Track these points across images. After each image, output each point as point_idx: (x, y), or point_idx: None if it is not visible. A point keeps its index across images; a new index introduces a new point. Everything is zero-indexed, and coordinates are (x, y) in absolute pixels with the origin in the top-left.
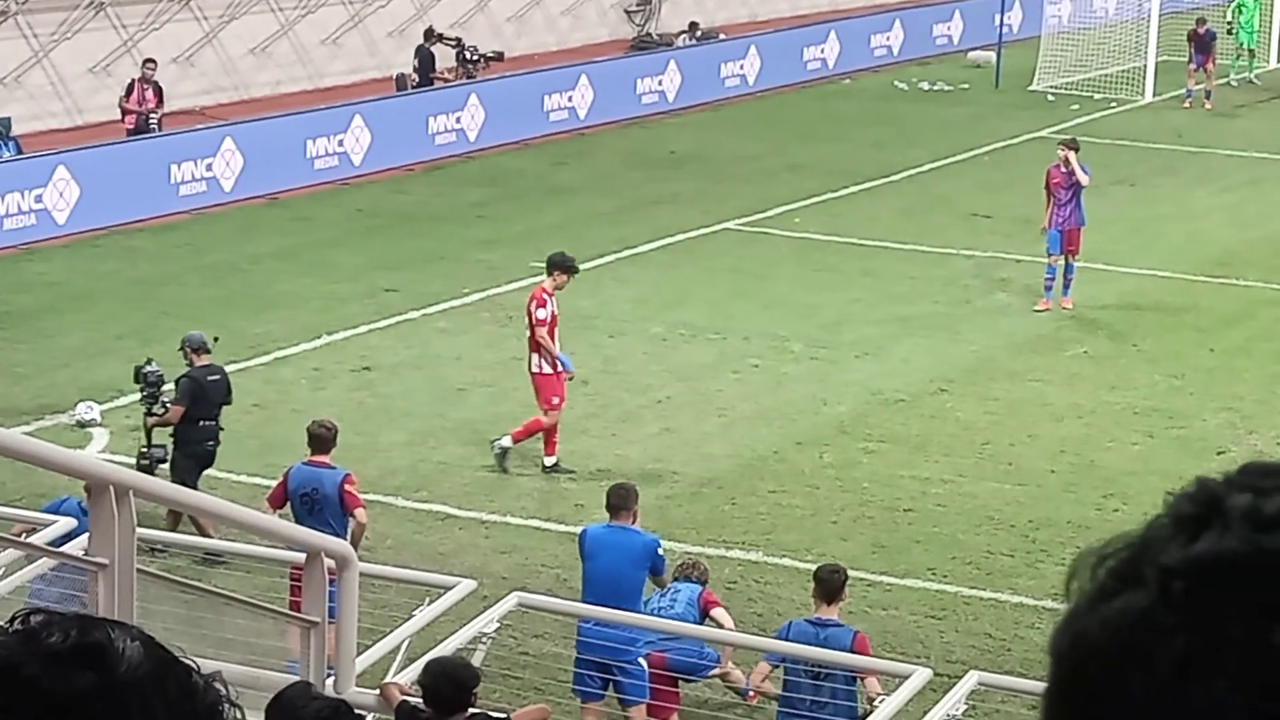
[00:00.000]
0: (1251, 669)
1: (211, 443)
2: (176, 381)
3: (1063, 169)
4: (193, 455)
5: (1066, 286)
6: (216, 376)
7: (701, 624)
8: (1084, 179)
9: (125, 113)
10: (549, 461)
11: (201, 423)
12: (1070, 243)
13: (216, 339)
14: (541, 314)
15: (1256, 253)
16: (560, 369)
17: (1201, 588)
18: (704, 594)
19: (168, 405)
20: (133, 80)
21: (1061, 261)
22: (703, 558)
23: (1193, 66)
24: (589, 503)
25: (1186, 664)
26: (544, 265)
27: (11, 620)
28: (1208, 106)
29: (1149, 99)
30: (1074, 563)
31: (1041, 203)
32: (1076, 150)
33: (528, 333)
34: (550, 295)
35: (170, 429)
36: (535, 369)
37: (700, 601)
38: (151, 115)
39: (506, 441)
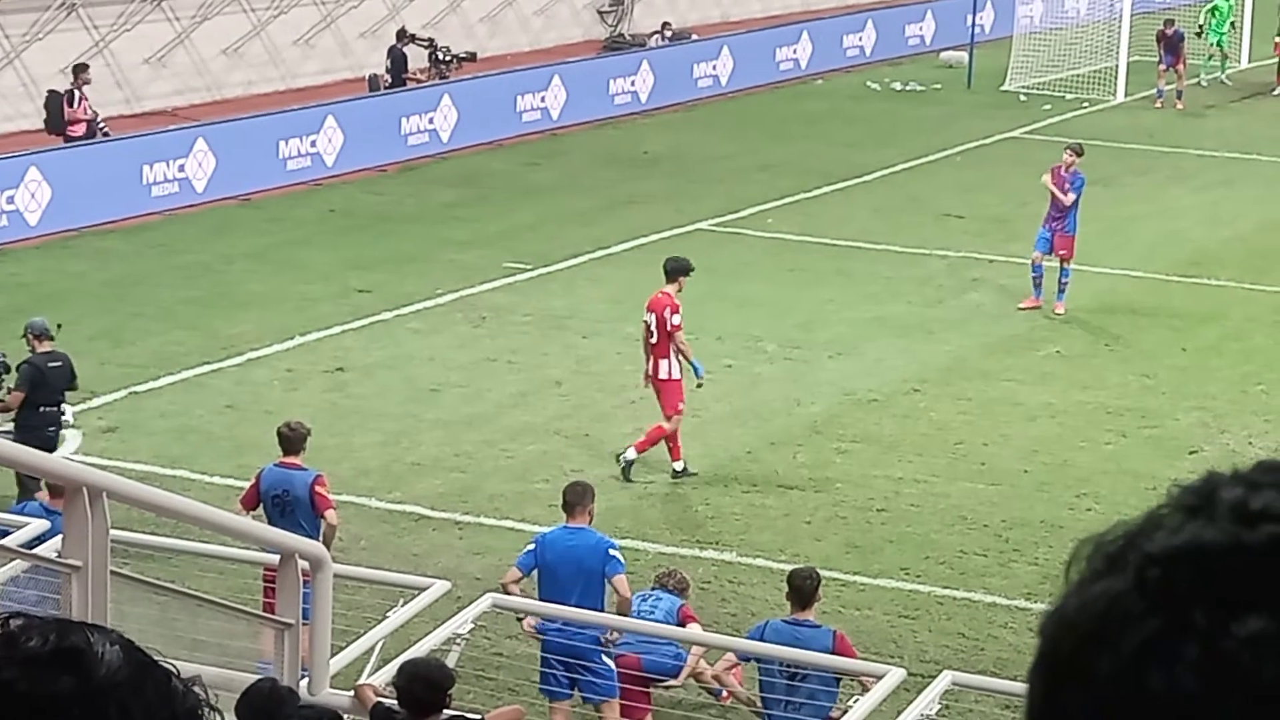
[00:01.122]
0: (1210, 658)
1: (53, 429)
2: (18, 367)
3: (1063, 172)
4: (33, 441)
5: (1061, 291)
6: (58, 363)
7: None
8: (1063, 199)
9: (73, 122)
10: (678, 467)
11: (42, 409)
12: (1060, 246)
13: (60, 326)
14: (677, 319)
15: (1229, 252)
16: (696, 375)
17: (1175, 576)
18: (683, 609)
19: (11, 390)
20: (71, 91)
21: (1055, 265)
22: (676, 558)
23: (1163, 67)
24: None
25: (1149, 649)
26: (666, 272)
27: None
28: (1179, 106)
29: (1121, 99)
30: (1075, 549)
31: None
32: (1080, 156)
33: (652, 340)
34: (678, 300)
35: (12, 414)
36: (665, 375)
37: (679, 616)
38: (99, 120)
39: (631, 454)
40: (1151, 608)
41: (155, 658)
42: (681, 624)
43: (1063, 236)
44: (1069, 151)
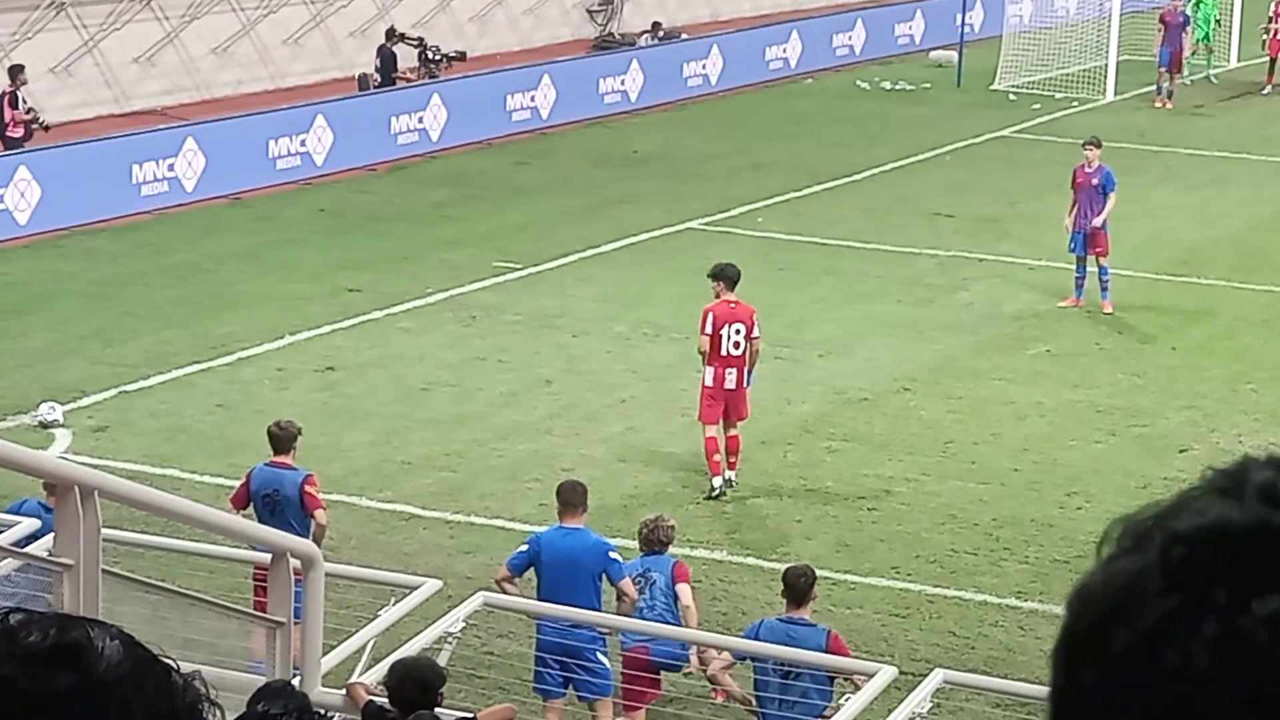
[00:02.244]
0: (1228, 635)
1: None
2: None
3: (1087, 169)
4: None
5: (1104, 290)
6: None
7: (674, 600)
8: (1109, 202)
9: (14, 123)
10: (731, 476)
11: None
12: (1095, 244)
13: None
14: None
15: (1218, 251)
16: (747, 382)
17: (1198, 554)
18: (676, 568)
19: None
20: (13, 92)
21: (1093, 265)
22: None
23: (1163, 69)
24: (553, 503)
25: (1167, 624)
26: (716, 279)
27: None
28: (1169, 106)
29: (1110, 98)
30: (1107, 528)
31: (1066, 202)
32: (1099, 148)
33: (737, 350)
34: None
35: None
36: (749, 384)
37: (673, 575)
38: (38, 119)
39: (731, 475)
40: (1171, 585)
41: (155, 653)
42: (675, 582)
43: (1096, 233)
44: (1088, 146)
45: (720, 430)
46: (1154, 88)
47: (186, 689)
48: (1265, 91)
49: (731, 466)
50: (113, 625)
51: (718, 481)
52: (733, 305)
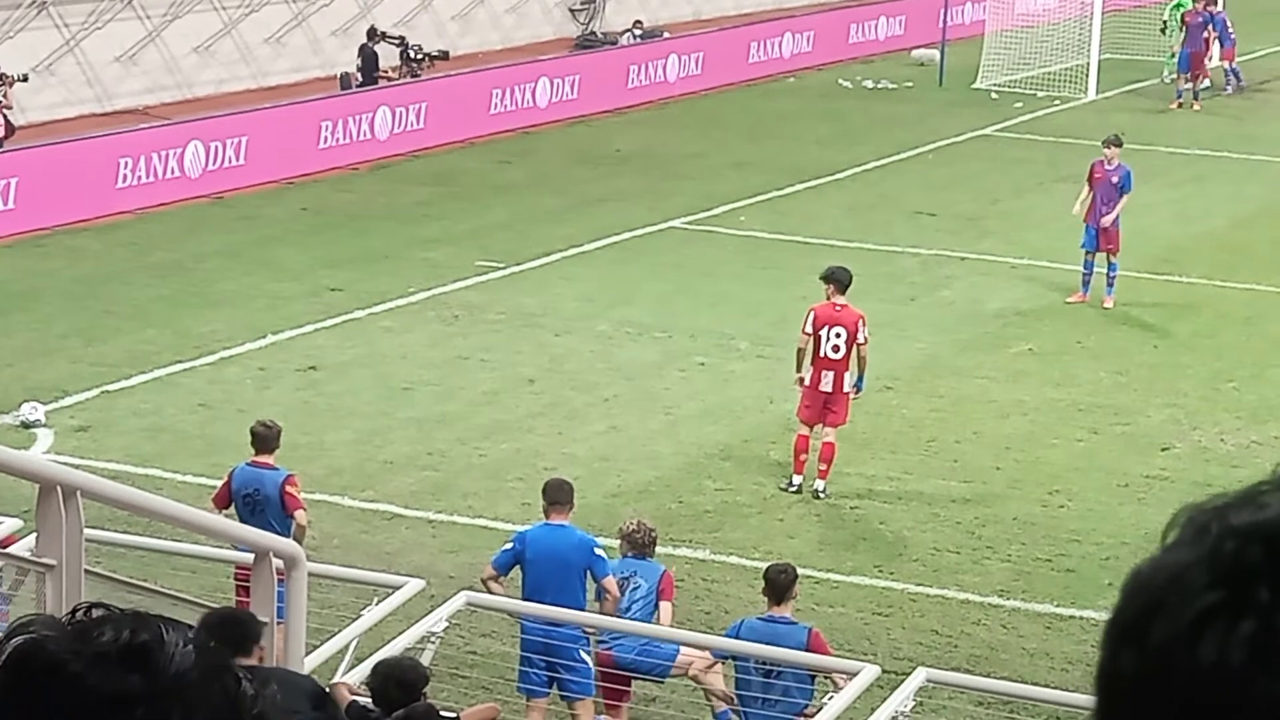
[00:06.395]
0: (1265, 633)
1: None
2: None
3: (1106, 166)
4: None
5: (1110, 285)
6: None
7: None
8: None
9: None
10: (821, 485)
11: None
12: (1108, 241)
13: None
14: (868, 332)
15: (1199, 249)
16: (859, 388)
17: (1249, 551)
18: (663, 579)
19: None
20: None
21: (1104, 261)
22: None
23: (1181, 73)
24: (535, 502)
25: (1206, 620)
26: (844, 283)
27: (72, 614)
28: (1197, 108)
29: (1092, 96)
30: (1176, 513)
31: (1071, 196)
32: (1119, 147)
33: (837, 354)
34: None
35: None
36: (847, 389)
37: (658, 588)
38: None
39: (820, 484)
40: (1215, 581)
41: (229, 662)
42: (660, 597)
43: (1109, 230)
44: (1109, 145)
45: (818, 433)
46: (1175, 91)
47: (257, 699)
48: (1204, 85)
49: (822, 475)
50: (189, 629)
51: (797, 480)
52: (838, 308)
